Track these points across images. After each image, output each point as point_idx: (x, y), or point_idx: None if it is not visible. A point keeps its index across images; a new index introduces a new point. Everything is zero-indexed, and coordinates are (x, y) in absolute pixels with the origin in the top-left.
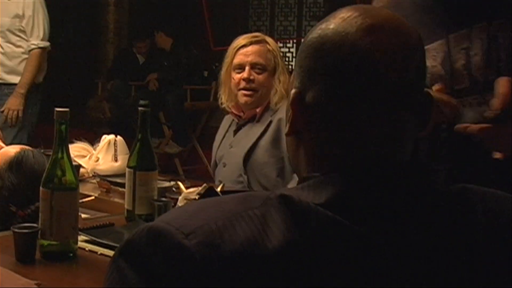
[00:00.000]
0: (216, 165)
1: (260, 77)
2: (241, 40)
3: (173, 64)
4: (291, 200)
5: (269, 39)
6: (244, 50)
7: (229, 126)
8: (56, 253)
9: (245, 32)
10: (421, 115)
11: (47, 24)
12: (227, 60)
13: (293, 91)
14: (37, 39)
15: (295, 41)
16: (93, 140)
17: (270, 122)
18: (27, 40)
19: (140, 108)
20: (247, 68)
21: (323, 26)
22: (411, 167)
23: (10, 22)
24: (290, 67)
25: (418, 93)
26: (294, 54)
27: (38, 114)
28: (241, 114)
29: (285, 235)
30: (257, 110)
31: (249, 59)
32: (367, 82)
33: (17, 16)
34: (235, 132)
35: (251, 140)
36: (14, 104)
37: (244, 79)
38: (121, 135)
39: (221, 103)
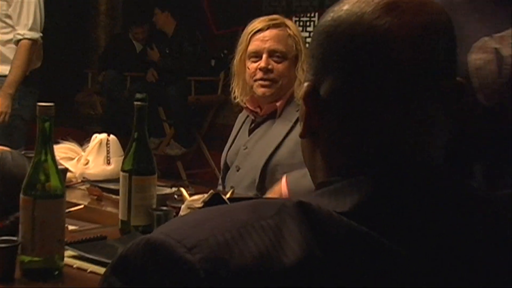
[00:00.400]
0: (227, 168)
1: (280, 66)
2: (257, 23)
3: (176, 51)
4: (310, 208)
5: (289, 23)
6: (260, 35)
7: (243, 123)
8: (39, 270)
9: (257, 14)
10: (451, 107)
11: (40, 12)
12: (240, 47)
13: (305, 84)
14: (24, 28)
15: (316, 23)
16: (82, 140)
17: (298, 119)
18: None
19: (136, 103)
20: (264, 56)
21: (336, 8)
22: (448, 168)
23: None
24: None
25: (447, 81)
26: None
27: (31, 109)
28: (258, 109)
29: (303, 248)
30: (277, 104)
31: (267, 45)
32: (387, 67)
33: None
34: (251, 130)
35: (274, 140)
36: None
37: (261, 69)
38: (114, 134)
39: (234, 98)
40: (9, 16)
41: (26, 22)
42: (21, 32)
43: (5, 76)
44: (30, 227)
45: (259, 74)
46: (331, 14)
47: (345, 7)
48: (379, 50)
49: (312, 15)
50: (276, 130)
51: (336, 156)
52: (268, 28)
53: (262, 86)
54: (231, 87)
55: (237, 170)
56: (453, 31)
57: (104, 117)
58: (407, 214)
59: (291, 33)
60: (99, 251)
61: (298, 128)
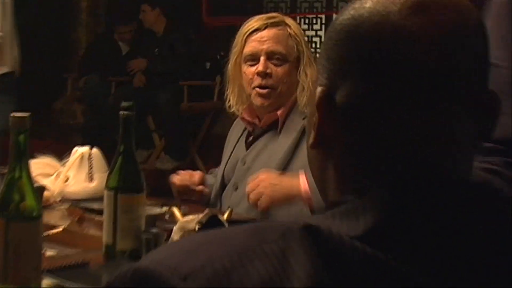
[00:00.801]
0: (223, 186)
1: (279, 70)
2: (253, 22)
3: (166, 52)
4: (318, 232)
5: (290, 21)
6: (257, 36)
7: (240, 135)
8: None
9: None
10: (483, 117)
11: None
12: (235, 49)
13: (318, 89)
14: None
15: (323, 21)
16: (60, 154)
17: (304, 130)
18: None
19: (122, 112)
20: (262, 58)
21: (356, 5)
22: (478, 187)
23: None
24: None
25: (479, 89)
26: (322, 40)
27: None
28: (256, 120)
29: (311, 277)
30: (278, 113)
31: (265, 46)
32: (414, 72)
33: None
34: (249, 144)
35: (281, 154)
36: None
37: (258, 73)
38: (97, 147)
39: (229, 106)
40: None
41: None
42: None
43: None
44: (3, 252)
45: (257, 80)
46: (351, 12)
47: (368, 4)
48: (405, 53)
49: (319, 12)
50: (282, 142)
51: (351, 170)
52: (266, 27)
53: (260, 95)
54: (225, 94)
55: (235, 189)
56: (485, 34)
57: (85, 128)
58: (429, 238)
59: (292, 32)
60: (80, 279)
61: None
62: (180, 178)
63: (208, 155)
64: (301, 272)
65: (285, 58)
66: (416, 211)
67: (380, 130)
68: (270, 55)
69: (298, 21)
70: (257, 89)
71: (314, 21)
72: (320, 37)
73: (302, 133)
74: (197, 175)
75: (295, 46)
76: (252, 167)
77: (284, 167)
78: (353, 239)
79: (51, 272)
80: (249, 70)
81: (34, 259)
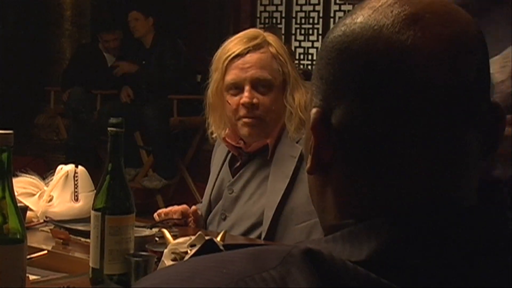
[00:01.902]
0: (209, 211)
1: (266, 99)
2: (233, 45)
3: (155, 64)
4: (320, 257)
5: (271, 38)
6: (239, 62)
7: (225, 157)
8: None
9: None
10: (486, 134)
11: None
12: (216, 75)
13: (313, 111)
14: None
15: (320, 32)
16: (43, 172)
17: (301, 155)
18: None
19: (110, 129)
20: (246, 87)
21: (347, 20)
22: (483, 212)
23: None
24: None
25: (481, 104)
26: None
27: None
28: (241, 144)
29: None
30: (268, 140)
31: (248, 74)
32: (411, 90)
33: None
34: (236, 170)
35: (278, 183)
36: None
37: (244, 104)
38: (82, 164)
39: (211, 133)
40: None
41: None
42: None
43: None
44: None
45: (243, 111)
46: (342, 28)
47: (359, 19)
48: (401, 69)
49: (316, 22)
50: (276, 171)
51: (350, 194)
52: (248, 52)
53: (247, 125)
54: (206, 122)
55: (224, 219)
56: (485, 44)
57: (69, 144)
58: (435, 263)
59: (275, 52)
60: None
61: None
62: (159, 212)
63: (198, 172)
64: None
65: (271, 84)
66: (420, 237)
67: (379, 153)
68: (254, 83)
69: (293, 31)
70: (244, 119)
71: (311, 31)
72: (317, 48)
73: (300, 160)
74: (179, 207)
75: (281, 68)
76: (241, 196)
77: (283, 199)
78: (356, 264)
79: None
80: (233, 100)
81: (17, 284)
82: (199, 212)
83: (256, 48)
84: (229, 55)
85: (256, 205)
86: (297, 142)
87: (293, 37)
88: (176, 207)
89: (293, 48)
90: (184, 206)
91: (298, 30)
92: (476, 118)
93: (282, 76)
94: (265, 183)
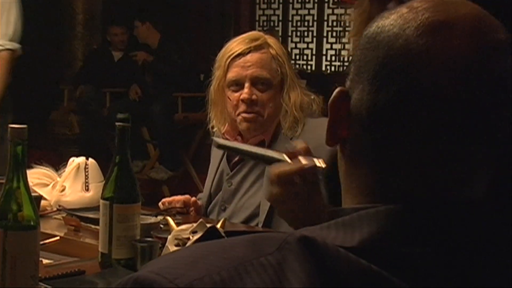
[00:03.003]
0: (210, 202)
1: (264, 95)
2: (235, 45)
3: (161, 64)
4: (314, 244)
5: (272, 41)
6: (241, 61)
7: (223, 154)
8: None
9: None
10: (500, 146)
11: (20, 22)
12: (218, 72)
13: (337, 89)
14: (4, 38)
15: (315, 34)
16: (57, 164)
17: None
18: None
19: (118, 124)
20: (246, 84)
21: (386, 14)
22: (475, 208)
23: None
24: (309, 67)
25: (494, 116)
26: (313, 52)
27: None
28: (239, 139)
29: None
30: (264, 137)
31: (249, 72)
32: (416, 91)
33: None
34: (234, 164)
35: None
36: None
37: (243, 100)
38: (93, 157)
39: (212, 127)
40: None
41: (6, 32)
42: (3, 42)
43: None
44: (0, 261)
45: (242, 107)
46: (378, 20)
47: (393, 15)
48: (409, 71)
49: (311, 24)
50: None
51: (354, 175)
52: (249, 52)
53: (246, 120)
54: (208, 117)
55: (223, 210)
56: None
57: (81, 138)
58: (423, 252)
59: (274, 53)
60: (77, 287)
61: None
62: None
63: (202, 165)
64: (297, 284)
65: (269, 83)
66: (411, 227)
67: (379, 143)
68: (254, 81)
69: (289, 33)
70: (243, 115)
71: (306, 34)
72: (311, 49)
73: None
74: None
75: (279, 69)
76: (239, 189)
77: None
78: (348, 250)
79: (48, 280)
80: (233, 96)
81: (31, 267)
82: (199, 203)
83: (257, 48)
84: (232, 54)
85: (253, 198)
86: (290, 139)
87: (289, 38)
88: (179, 197)
89: (289, 49)
90: (187, 196)
91: (294, 32)
92: (486, 132)
93: (280, 76)
94: (262, 178)
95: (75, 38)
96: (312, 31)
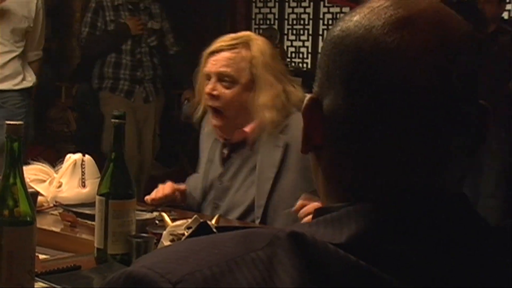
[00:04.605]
0: (203, 199)
1: (228, 92)
2: (216, 43)
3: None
4: (304, 240)
5: (257, 42)
6: (213, 57)
7: (212, 143)
8: None
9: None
10: (469, 135)
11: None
12: (201, 66)
13: (307, 97)
14: (40, 49)
15: (310, 32)
16: (54, 160)
17: (287, 145)
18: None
19: (113, 121)
20: (212, 79)
21: (347, 17)
22: (457, 200)
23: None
24: (305, 65)
25: (464, 106)
26: (309, 50)
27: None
28: (227, 136)
29: (296, 283)
30: (246, 129)
31: (215, 68)
32: (392, 89)
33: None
34: (224, 161)
35: (267, 175)
36: None
37: (207, 94)
38: (90, 154)
39: (195, 113)
40: (24, 31)
41: (41, 42)
42: (39, 52)
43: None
44: None
45: (207, 100)
46: (341, 24)
47: (355, 17)
48: (384, 69)
49: (306, 23)
50: (263, 161)
51: (334, 179)
52: (221, 51)
53: (213, 116)
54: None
55: (216, 207)
56: (476, 49)
57: (78, 135)
58: (411, 246)
59: (248, 54)
60: (72, 282)
61: (293, 156)
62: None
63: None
64: (287, 278)
65: (234, 80)
66: (399, 223)
67: (359, 144)
68: (220, 77)
69: (285, 31)
70: (211, 112)
71: (302, 32)
72: (307, 47)
73: (286, 149)
74: (167, 186)
75: (248, 69)
76: (231, 186)
77: (274, 185)
78: (337, 247)
79: (44, 275)
80: (204, 88)
81: (28, 263)
82: (183, 186)
83: (229, 48)
84: (208, 51)
85: (246, 194)
86: (280, 133)
87: (285, 37)
88: (163, 186)
89: (285, 47)
90: (169, 183)
91: (290, 31)
92: (458, 117)
93: (249, 75)
94: (253, 173)
95: (72, 36)
96: (308, 29)
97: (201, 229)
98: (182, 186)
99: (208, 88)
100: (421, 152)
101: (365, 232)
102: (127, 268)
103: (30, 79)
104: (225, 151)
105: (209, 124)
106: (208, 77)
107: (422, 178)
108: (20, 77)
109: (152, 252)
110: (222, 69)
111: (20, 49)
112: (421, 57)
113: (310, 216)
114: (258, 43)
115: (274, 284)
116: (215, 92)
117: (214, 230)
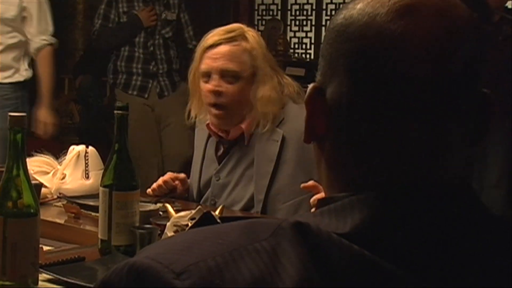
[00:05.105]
0: (200, 196)
1: (231, 88)
2: (210, 37)
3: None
4: (308, 230)
5: (251, 34)
6: (211, 52)
7: (206, 142)
8: None
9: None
10: (472, 124)
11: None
12: (194, 63)
13: (310, 86)
14: (46, 34)
15: (313, 23)
16: (58, 152)
17: (283, 139)
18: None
19: (116, 112)
20: (214, 76)
21: (350, 5)
22: (460, 189)
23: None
24: (308, 56)
25: (467, 95)
26: (312, 41)
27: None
28: (221, 133)
29: (300, 274)
30: (243, 126)
31: (217, 64)
32: (396, 77)
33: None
34: (220, 157)
35: (265, 169)
36: (47, 117)
37: (211, 92)
38: (94, 146)
39: (191, 118)
40: (14, 20)
41: (46, 27)
42: (46, 38)
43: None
44: (1, 248)
45: (209, 98)
46: (344, 12)
47: (359, 5)
48: (388, 57)
49: (309, 14)
50: (261, 156)
51: (338, 168)
52: (220, 44)
53: (214, 113)
54: (188, 105)
55: (214, 204)
56: (480, 37)
57: (82, 127)
58: (414, 236)
59: (248, 46)
60: (76, 273)
61: (291, 147)
62: (154, 187)
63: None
64: (291, 268)
65: (237, 75)
66: (402, 212)
67: (363, 132)
68: (222, 73)
69: (288, 23)
70: (211, 108)
71: (304, 23)
72: (310, 38)
73: (283, 143)
74: (166, 175)
75: (250, 62)
76: (228, 182)
77: (273, 179)
78: (341, 236)
79: (48, 267)
80: (205, 87)
81: (31, 254)
82: (182, 175)
83: (228, 40)
84: (204, 45)
85: (245, 190)
86: (277, 126)
87: (288, 28)
88: (164, 177)
89: (288, 38)
90: (168, 173)
91: (293, 22)
92: (460, 106)
93: (251, 69)
94: (251, 169)
95: (75, 27)
96: (311, 20)
97: (205, 220)
98: (181, 175)
99: (212, 85)
100: (424, 141)
101: (369, 222)
102: (130, 259)
103: (24, 74)
104: (222, 148)
105: (203, 123)
106: (207, 74)
107: (425, 167)
108: (11, 71)
109: (156, 243)
110: (225, 66)
111: (14, 40)
112: (425, 45)
113: None
114: (253, 34)
115: (279, 274)
116: (220, 89)
117: (218, 220)
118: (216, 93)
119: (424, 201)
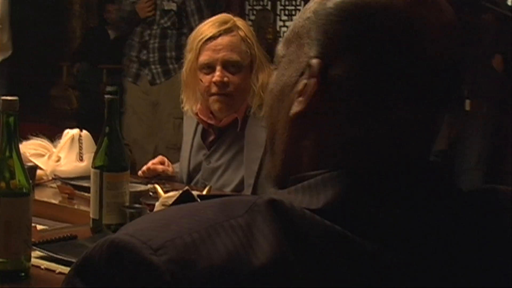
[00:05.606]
0: (190, 180)
1: (235, 78)
2: (206, 29)
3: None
4: (282, 207)
5: (240, 22)
6: (212, 44)
7: (195, 130)
8: (4, 272)
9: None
10: (453, 110)
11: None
12: (190, 55)
13: (315, 61)
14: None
15: None
16: (55, 136)
17: None
18: None
19: (107, 96)
20: (218, 67)
21: None
22: (430, 165)
23: None
24: None
25: (457, 83)
26: None
27: None
28: (212, 121)
29: (274, 249)
30: (237, 115)
31: (220, 55)
32: (417, 61)
33: None
34: (210, 143)
35: (255, 155)
36: None
37: (216, 83)
38: (91, 130)
39: (183, 107)
40: None
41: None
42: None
43: None
44: None
45: (214, 89)
46: None
47: None
48: (402, 42)
49: (298, 3)
50: (250, 141)
51: (330, 144)
52: (220, 35)
53: (219, 101)
54: (180, 97)
55: (204, 188)
56: (464, 28)
57: (79, 112)
58: (385, 211)
59: (243, 35)
60: (68, 251)
61: None
62: (144, 169)
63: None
64: (265, 244)
65: (240, 65)
66: (373, 187)
67: (359, 109)
68: (225, 64)
69: (278, 12)
70: (215, 96)
71: (294, 12)
72: None
73: None
74: (156, 159)
75: (248, 51)
76: (219, 167)
77: (262, 164)
78: (313, 212)
79: (41, 244)
80: (206, 78)
81: (24, 232)
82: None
83: (227, 31)
84: (203, 38)
85: (234, 174)
86: (262, 115)
87: (278, 17)
88: (154, 160)
89: (278, 28)
90: (159, 156)
91: (282, 11)
92: (450, 95)
93: (249, 57)
94: (241, 154)
95: (73, 16)
96: (300, 10)
97: (184, 198)
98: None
99: (217, 77)
100: (417, 123)
101: (341, 198)
102: (110, 235)
103: None
104: (212, 135)
105: (191, 111)
106: (208, 66)
107: (406, 149)
108: None
109: (136, 220)
110: (227, 56)
111: None
112: (444, 30)
113: None
114: (242, 23)
115: (253, 249)
116: (225, 79)
117: (197, 198)
118: (222, 83)
119: (395, 178)
